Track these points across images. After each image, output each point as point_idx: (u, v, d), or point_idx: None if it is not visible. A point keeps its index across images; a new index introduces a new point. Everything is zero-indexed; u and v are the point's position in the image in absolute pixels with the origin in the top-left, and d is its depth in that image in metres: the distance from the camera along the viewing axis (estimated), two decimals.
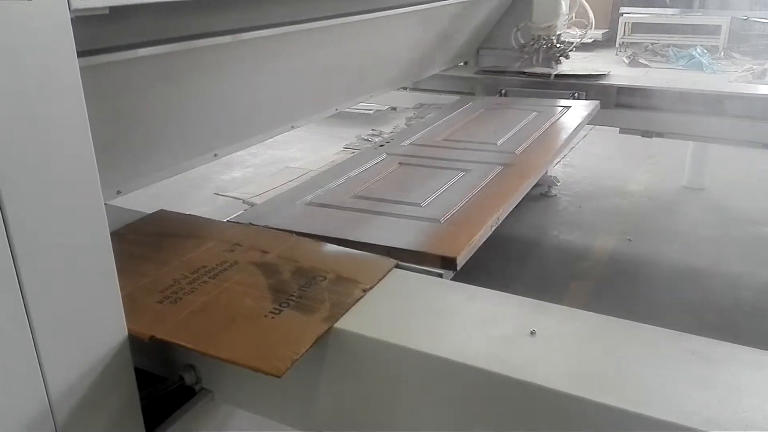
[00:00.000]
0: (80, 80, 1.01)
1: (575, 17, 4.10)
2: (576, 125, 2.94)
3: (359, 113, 5.68)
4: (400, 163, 2.39)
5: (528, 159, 2.43)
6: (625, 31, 10.53)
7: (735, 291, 3.00)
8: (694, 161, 4.31)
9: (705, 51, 9.37)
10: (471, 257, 2.84)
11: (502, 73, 3.87)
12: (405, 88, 3.91)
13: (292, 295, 1.33)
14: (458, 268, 1.59)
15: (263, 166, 4.96)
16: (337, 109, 2.87)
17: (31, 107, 0.95)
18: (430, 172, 2.26)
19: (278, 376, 1.09)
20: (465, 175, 2.22)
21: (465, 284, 1.39)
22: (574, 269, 3.26)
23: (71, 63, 0.99)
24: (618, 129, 3.73)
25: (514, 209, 3.52)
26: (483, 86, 3.85)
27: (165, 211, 1.81)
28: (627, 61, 9.49)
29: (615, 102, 3.60)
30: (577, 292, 2.92)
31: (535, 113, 3.11)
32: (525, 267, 3.28)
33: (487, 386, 1.10)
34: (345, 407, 1.28)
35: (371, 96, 3.28)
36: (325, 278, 1.40)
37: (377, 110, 5.74)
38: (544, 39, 3.90)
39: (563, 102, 3.41)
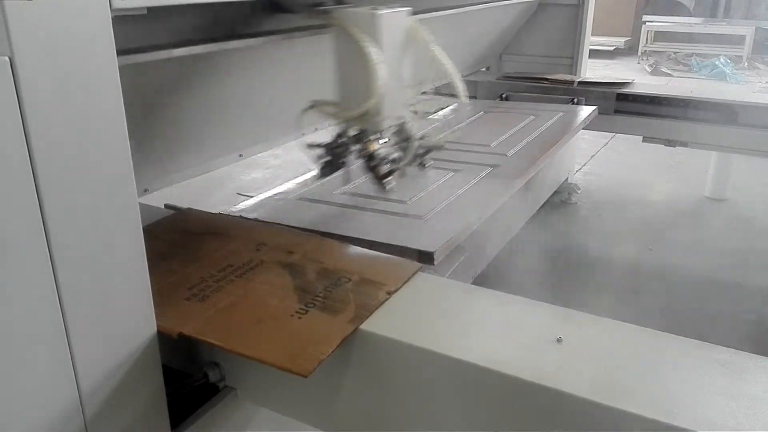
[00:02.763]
0: (119, 78, 1.03)
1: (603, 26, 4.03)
2: (569, 130, 3.03)
3: None
4: None
5: (518, 161, 2.51)
6: (647, 39, 10.46)
7: (758, 304, 2.96)
8: (716, 171, 4.26)
9: (728, 61, 9.27)
10: (490, 264, 2.86)
11: (525, 79, 3.87)
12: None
13: (318, 296, 1.34)
14: (435, 262, 1.64)
15: (282, 168, 4.99)
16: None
17: (72, 104, 0.97)
18: (420, 172, 2.29)
19: (305, 376, 1.09)
20: (454, 175, 2.29)
21: (491, 290, 1.39)
22: (595, 277, 3.25)
23: (111, 61, 1.01)
24: (641, 138, 3.71)
25: (534, 216, 3.56)
26: (485, 90, 3.88)
27: (191, 209, 1.83)
28: (649, 70, 9.43)
29: (626, 109, 3.60)
30: (598, 300, 2.91)
31: (532, 117, 3.18)
32: (544, 274, 3.26)
33: (512, 392, 1.10)
34: (368, 409, 1.29)
35: None
36: (349, 280, 1.41)
37: None
38: (363, 134, 3.24)
39: (562, 107, 3.46)
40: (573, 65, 4.15)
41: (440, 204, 2.00)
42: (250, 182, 4.68)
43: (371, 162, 1.77)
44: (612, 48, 10.63)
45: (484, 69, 4.30)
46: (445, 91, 3.80)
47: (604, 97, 3.65)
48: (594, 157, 5.31)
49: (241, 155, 2.21)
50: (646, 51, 10.43)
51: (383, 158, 1.77)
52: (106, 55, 1.00)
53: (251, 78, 1.99)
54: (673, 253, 3.52)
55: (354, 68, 1.61)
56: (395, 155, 1.82)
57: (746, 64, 9.68)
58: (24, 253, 0.95)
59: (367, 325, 1.24)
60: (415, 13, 2.60)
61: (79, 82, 0.97)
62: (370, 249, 1.61)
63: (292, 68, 2.16)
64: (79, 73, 0.97)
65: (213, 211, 1.86)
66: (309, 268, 1.46)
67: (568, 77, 3.80)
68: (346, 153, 1.84)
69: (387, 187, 1.78)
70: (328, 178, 1.99)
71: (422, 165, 1.97)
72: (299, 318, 1.26)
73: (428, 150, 1.97)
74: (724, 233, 3.80)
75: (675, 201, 4.32)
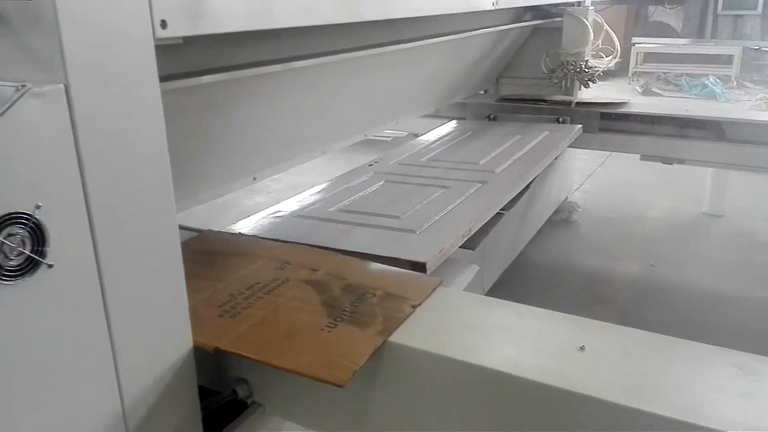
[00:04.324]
0: (161, 103, 1.08)
1: (601, 45, 4.25)
2: (555, 147, 3.20)
3: (379, 140, 5.76)
4: (386, 180, 2.56)
5: (506, 178, 2.64)
6: (637, 60, 10.64)
7: (763, 315, 3.01)
8: (714, 188, 4.34)
9: (718, 80, 9.44)
10: (497, 283, 2.91)
11: (523, 100, 3.96)
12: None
13: (345, 310, 1.38)
14: (427, 272, 1.74)
15: (285, 192, 5.03)
16: (365, 135, 2.94)
17: (119, 129, 1.02)
18: (412, 189, 2.45)
19: (341, 386, 1.13)
20: (444, 192, 2.40)
21: (511, 302, 1.44)
22: (598, 294, 3.29)
23: (154, 88, 1.07)
24: (639, 156, 3.79)
25: (537, 235, 3.62)
26: (473, 111, 4.01)
27: (212, 231, 1.88)
28: (640, 90, 9.59)
29: (625, 129, 3.73)
30: (602, 316, 2.95)
31: (519, 136, 3.31)
32: (549, 292, 3.31)
33: (540, 398, 1.14)
34: (397, 420, 1.32)
35: (397, 123, 3.37)
36: (374, 295, 1.45)
37: (395, 137, 5.83)
38: (572, 64, 4.05)
39: (548, 126, 3.63)
40: (569, 86, 4.23)
41: (432, 219, 2.11)
42: (254, 207, 4.72)
43: (580, 74, 3.97)
44: (611, 63, 10.78)
45: (482, 92, 4.39)
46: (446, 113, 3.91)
47: (588, 116, 3.77)
48: (591, 176, 5.38)
49: (254, 178, 2.25)
50: (636, 72, 10.61)
51: (586, 71, 3.94)
52: (149, 82, 1.06)
53: (267, 104, 2.05)
54: (675, 268, 3.58)
55: (576, 33, 3.92)
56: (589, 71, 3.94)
57: (735, 83, 9.85)
58: (76, 271, 0.99)
59: (395, 337, 1.28)
60: (416, 39, 2.70)
61: (126, 107, 1.03)
62: (367, 261, 1.67)
63: (303, 95, 2.22)
64: (126, 99, 1.02)
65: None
66: (334, 285, 1.50)
67: (565, 98, 3.88)
68: (558, 75, 3.97)
69: (591, 84, 4.03)
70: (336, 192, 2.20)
71: (593, 80, 4.05)
72: (329, 331, 1.30)
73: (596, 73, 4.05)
74: (723, 248, 3.86)
75: (673, 217, 4.39)
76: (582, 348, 1.23)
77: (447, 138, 3.41)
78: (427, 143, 3.32)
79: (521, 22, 3.78)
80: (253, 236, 1.90)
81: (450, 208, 2.24)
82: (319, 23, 1.45)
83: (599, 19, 4.16)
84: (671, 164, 3.70)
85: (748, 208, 4.43)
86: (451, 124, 3.78)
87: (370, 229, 2.02)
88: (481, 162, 2.87)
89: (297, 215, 2.20)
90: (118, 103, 1.01)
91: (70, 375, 1.01)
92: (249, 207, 4.66)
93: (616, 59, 4.39)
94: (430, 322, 1.35)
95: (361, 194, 2.42)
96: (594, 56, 4.30)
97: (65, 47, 0.91)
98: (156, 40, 1.06)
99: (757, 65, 10.37)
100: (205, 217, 4.09)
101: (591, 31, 3.98)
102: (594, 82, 4.13)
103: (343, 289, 1.48)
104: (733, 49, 10.11)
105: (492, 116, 3.96)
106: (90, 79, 0.96)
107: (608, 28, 4.14)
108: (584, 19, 3.97)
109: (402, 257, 1.75)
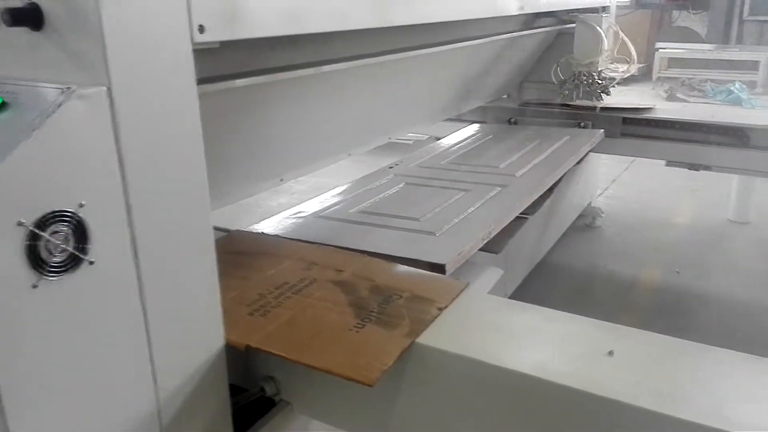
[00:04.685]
0: (198, 106, 1.11)
1: (617, 54, 4.09)
2: (576, 152, 3.22)
3: (400, 143, 5.79)
4: (406, 183, 2.59)
5: (526, 182, 2.64)
6: (661, 66, 10.54)
7: None
8: (739, 194, 4.29)
9: (743, 86, 9.31)
10: (519, 287, 2.91)
11: (546, 105, 3.95)
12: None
13: (373, 311, 1.39)
14: (446, 273, 1.75)
15: (308, 193, 5.07)
16: (390, 138, 2.96)
17: (158, 131, 1.05)
18: (432, 192, 2.47)
19: (370, 385, 1.15)
20: (464, 195, 2.40)
21: (538, 306, 1.44)
22: (623, 300, 3.27)
23: (191, 90, 1.09)
24: (664, 162, 3.76)
25: (560, 239, 3.61)
26: (494, 114, 4.01)
27: (240, 230, 1.90)
28: (665, 96, 9.47)
29: (650, 134, 3.70)
30: (627, 323, 2.93)
31: (539, 140, 3.30)
32: (573, 297, 3.30)
33: (568, 403, 1.15)
34: (423, 421, 1.33)
35: (420, 126, 3.39)
36: (401, 296, 1.46)
37: (416, 140, 5.85)
38: (585, 75, 3.89)
39: (568, 131, 3.63)
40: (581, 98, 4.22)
41: (451, 221, 2.13)
42: (277, 207, 4.76)
43: (593, 86, 3.76)
44: (626, 75, 10.70)
45: (504, 96, 4.38)
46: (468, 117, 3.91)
47: (611, 121, 3.75)
48: (615, 181, 5.35)
49: (282, 179, 2.28)
50: (660, 77, 10.50)
51: (599, 83, 3.72)
52: (187, 85, 1.09)
53: (296, 107, 2.07)
54: (701, 275, 3.54)
55: (588, 41, 3.72)
56: (602, 83, 3.71)
57: (761, 89, 9.71)
58: (116, 268, 1.02)
59: (422, 339, 1.29)
60: (441, 43, 2.71)
61: (165, 110, 1.05)
62: (393, 263, 1.69)
63: (331, 98, 2.24)
64: (165, 102, 1.05)
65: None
66: (360, 286, 1.52)
67: (590, 103, 3.87)
68: (569, 87, 3.75)
69: (603, 96, 3.78)
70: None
71: (605, 93, 3.82)
72: (357, 332, 1.31)
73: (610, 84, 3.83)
74: (750, 256, 3.82)
75: (698, 224, 4.34)
76: (610, 353, 1.23)
77: (467, 141, 3.43)
78: (447, 146, 3.35)
79: (543, 27, 3.78)
80: (280, 237, 1.93)
81: (470, 211, 2.26)
82: (351, 28, 1.47)
83: (614, 27, 3.96)
84: (697, 170, 3.67)
85: None
86: (472, 128, 3.79)
87: (389, 230, 2.05)
88: (501, 166, 2.89)
89: (318, 216, 2.24)
90: (158, 105, 1.04)
91: (107, 370, 1.04)
92: (272, 207, 4.70)
93: (632, 71, 4.24)
94: (456, 324, 1.36)
95: (381, 196, 2.45)
96: (608, 66, 4.10)
97: (108, 51, 0.94)
98: (194, 44, 1.08)
99: None
100: (230, 217, 4.15)
101: (604, 39, 3.77)
102: (607, 94, 3.93)
103: (370, 291, 1.49)
104: (759, 55, 9.96)
105: (513, 120, 3.97)
106: (131, 82, 0.98)
107: (624, 36, 3.90)
108: (597, 27, 3.75)
109: (421, 258, 1.77)
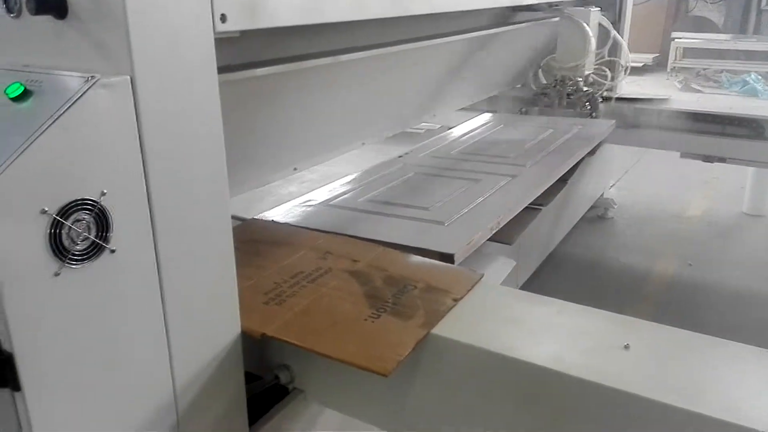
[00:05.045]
0: (219, 95, 1.11)
1: (607, 56, 3.55)
2: (587, 142, 3.18)
3: (412, 132, 5.77)
4: (415, 172, 2.60)
5: (537, 172, 2.65)
6: (676, 56, 10.43)
7: None
8: (754, 187, 4.25)
9: (759, 77, 9.20)
10: (530, 278, 2.91)
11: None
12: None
13: (387, 302, 1.40)
14: (455, 263, 1.75)
15: (318, 182, 5.07)
16: (403, 128, 2.95)
17: (179, 120, 1.05)
18: (442, 181, 2.48)
19: (385, 375, 1.15)
20: (474, 185, 2.41)
21: (552, 298, 1.44)
22: (635, 292, 3.26)
23: (212, 79, 1.10)
24: (679, 153, 3.74)
25: (572, 231, 3.60)
26: (505, 104, 3.99)
27: (256, 219, 1.91)
28: (679, 86, 9.39)
29: (665, 125, 3.66)
30: (639, 315, 2.92)
31: (551, 130, 3.27)
32: (585, 289, 3.29)
33: (583, 396, 1.15)
34: (436, 411, 1.34)
35: (434, 116, 3.37)
36: (415, 287, 1.47)
37: (428, 129, 5.83)
38: (570, 80, 3.41)
39: (580, 120, 3.57)
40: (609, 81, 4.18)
41: (461, 211, 2.13)
42: (287, 196, 4.77)
43: (577, 94, 3.15)
44: (641, 64, 10.60)
45: (519, 86, 4.36)
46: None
47: (622, 111, 3.72)
48: (627, 172, 5.32)
49: (295, 168, 2.29)
50: (675, 67, 10.39)
51: (584, 92, 3.12)
52: (208, 74, 1.09)
53: (310, 95, 2.07)
54: (714, 268, 3.52)
55: (573, 40, 3.00)
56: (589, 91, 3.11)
57: None
58: (136, 256, 1.03)
59: (437, 330, 1.30)
60: (453, 33, 2.69)
61: (186, 99, 1.06)
62: (407, 253, 1.69)
63: (347, 87, 2.24)
64: (186, 91, 1.05)
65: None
66: (375, 276, 1.52)
67: (605, 93, 3.84)
68: (551, 95, 3.14)
69: (586, 109, 3.05)
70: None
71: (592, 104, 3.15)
72: (372, 322, 1.32)
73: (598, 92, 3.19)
74: (765, 248, 3.79)
75: (712, 216, 4.31)
76: (626, 346, 1.23)
77: (478, 131, 3.43)
78: (458, 136, 3.35)
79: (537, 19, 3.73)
80: (295, 226, 1.93)
81: (479, 200, 2.26)
82: (369, 17, 1.46)
83: (605, 23, 3.31)
84: (712, 162, 3.64)
85: None
86: (483, 117, 3.78)
87: (399, 219, 2.06)
88: (512, 155, 2.88)
89: (327, 204, 2.25)
90: (179, 94, 1.04)
91: (125, 358, 1.05)
92: (282, 196, 4.71)
93: (623, 78, 3.63)
94: (472, 315, 1.36)
95: (390, 185, 2.47)
96: (599, 70, 3.47)
97: (132, 40, 0.94)
98: (216, 33, 1.08)
99: None
100: (241, 205, 4.16)
101: (592, 39, 3.10)
102: (595, 108, 3.43)
103: (385, 281, 1.50)
104: None
105: (524, 110, 3.95)
106: (154, 71, 0.99)
107: (616, 34, 3.29)
108: (583, 24, 3.11)
109: (430, 248, 1.78)
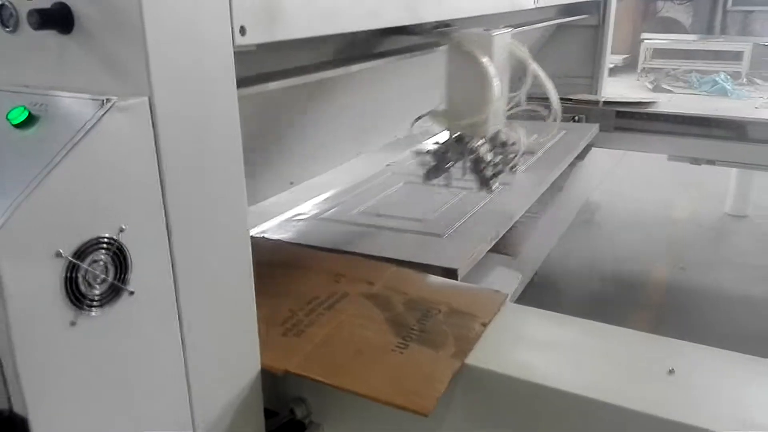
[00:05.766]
0: (238, 114, 1.01)
1: (525, 102, 2.04)
2: (576, 147, 3.15)
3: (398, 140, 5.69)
4: (405, 182, 2.51)
5: (527, 179, 2.58)
6: (646, 56, 10.56)
7: None
8: (738, 188, 4.28)
9: (728, 77, 9.37)
10: (526, 289, 2.85)
11: (546, 99, 3.88)
12: None
13: (413, 329, 1.31)
14: (459, 278, 1.67)
15: (305, 192, 4.96)
16: (396, 137, 2.87)
17: (198, 140, 0.95)
18: (432, 190, 2.36)
19: (425, 415, 1.07)
20: (467, 194, 2.30)
21: (579, 318, 1.37)
22: (627, 297, 3.24)
23: (232, 96, 1.00)
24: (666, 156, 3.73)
25: (561, 236, 3.55)
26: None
27: (256, 237, 1.81)
28: (650, 87, 9.50)
29: (652, 129, 3.63)
30: (642, 325, 2.89)
31: (535, 135, 3.20)
32: (577, 297, 3.25)
33: (636, 427, 1.08)
34: None
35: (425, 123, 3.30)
36: (439, 311, 1.39)
37: (407, 136, 5.77)
38: (466, 143, 1.85)
39: (564, 125, 3.50)
40: (592, 85, 4.17)
41: (457, 222, 2.06)
42: (270, 206, 4.65)
43: (478, 165, 1.88)
44: (611, 65, 10.71)
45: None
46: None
47: (604, 115, 3.69)
48: (608, 175, 5.32)
49: (291, 183, 2.19)
50: (645, 68, 10.53)
51: (489, 162, 1.89)
52: (228, 92, 0.99)
53: (308, 108, 1.98)
54: (703, 270, 3.52)
55: (468, 82, 1.74)
56: (498, 159, 1.92)
57: (745, 79, 9.78)
58: (155, 297, 0.93)
59: (471, 359, 1.22)
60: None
61: (205, 120, 0.96)
62: (422, 273, 1.62)
63: (344, 98, 2.16)
64: (205, 111, 0.96)
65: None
66: (395, 300, 1.44)
67: (591, 97, 3.82)
68: (451, 158, 1.95)
69: (492, 188, 1.93)
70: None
71: (513, 168, 2.01)
72: (401, 353, 1.23)
73: (518, 155, 2.04)
74: (751, 250, 3.81)
75: (696, 218, 4.33)
76: (671, 371, 1.17)
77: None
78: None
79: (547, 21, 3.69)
80: (298, 244, 1.84)
81: (473, 210, 2.19)
82: (384, 26, 1.38)
83: (521, 52, 1.85)
84: (700, 164, 3.64)
85: None
86: None
87: (395, 233, 1.98)
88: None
89: (319, 218, 2.16)
90: (199, 115, 0.94)
91: (146, 405, 0.95)
92: (266, 207, 4.58)
93: (554, 139, 2.60)
94: (504, 342, 1.28)
95: (381, 196, 2.38)
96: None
97: (151, 56, 0.84)
98: (235, 47, 0.99)
99: (766, 62, 10.27)
100: None
101: (495, 81, 1.67)
102: (490, 187, 1.90)
103: (406, 305, 1.41)
104: (744, 46, 10.02)
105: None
106: (174, 91, 0.89)
107: (536, 67, 1.88)
108: (481, 57, 1.67)
109: (432, 263, 1.70)
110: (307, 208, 2.30)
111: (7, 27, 0.94)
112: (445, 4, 1.64)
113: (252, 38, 1.01)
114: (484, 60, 1.68)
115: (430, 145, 1.99)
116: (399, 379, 1.15)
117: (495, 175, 1.92)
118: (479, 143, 1.84)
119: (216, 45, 0.95)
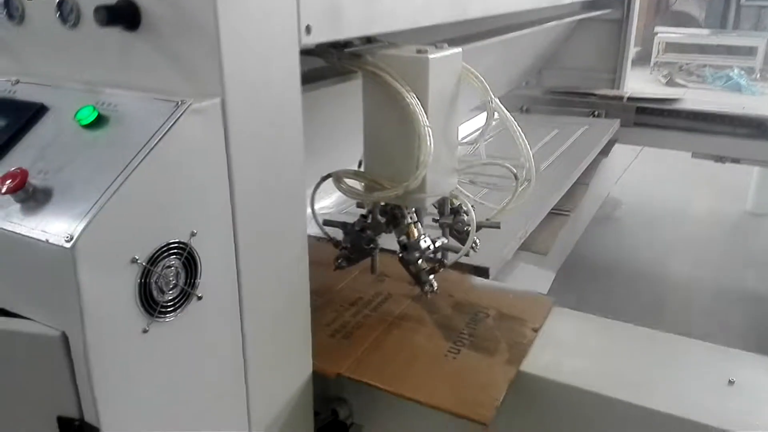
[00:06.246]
0: (301, 109, 0.99)
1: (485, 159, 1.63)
2: (598, 143, 3.10)
3: None
4: None
5: (551, 175, 2.54)
6: (659, 50, 10.47)
7: None
8: (759, 186, 4.24)
9: (742, 72, 9.29)
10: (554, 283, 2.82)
11: (572, 94, 3.84)
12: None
13: (463, 333, 1.29)
14: (490, 276, 1.61)
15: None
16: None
17: (265, 143, 0.93)
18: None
19: (485, 425, 1.05)
20: (490, 191, 2.22)
21: (633, 325, 1.35)
22: (649, 294, 3.21)
23: (296, 96, 0.97)
24: (690, 153, 3.69)
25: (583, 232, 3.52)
26: (505, 103, 3.90)
27: None
28: (664, 81, 9.43)
29: (675, 125, 3.59)
30: (652, 318, 2.86)
31: (556, 130, 3.17)
32: (599, 292, 3.22)
33: None
34: None
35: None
36: (487, 315, 1.36)
37: None
38: (396, 215, 1.37)
39: (584, 120, 3.50)
40: (615, 79, 4.13)
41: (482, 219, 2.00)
42: None
43: (409, 254, 1.31)
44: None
45: (524, 84, 4.27)
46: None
47: (624, 109, 3.65)
48: (627, 170, 5.28)
49: None
50: (657, 62, 10.44)
51: (425, 249, 1.32)
52: (293, 93, 0.96)
53: (320, 116, 1.94)
54: (726, 268, 3.49)
55: (391, 130, 1.20)
56: (440, 242, 1.37)
57: (758, 75, 9.69)
58: (221, 301, 0.90)
59: (526, 367, 1.20)
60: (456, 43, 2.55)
61: (273, 122, 0.93)
62: (465, 273, 1.58)
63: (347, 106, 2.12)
64: (273, 113, 0.93)
65: None
66: (441, 302, 1.41)
67: (615, 92, 3.78)
68: (374, 237, 1.41)
69: (430, 290, 1.33)
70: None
71: (474, 245, 1.39)
72: (454, 358, 1.21)
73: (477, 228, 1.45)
74: None
75: (716, 215, 4.29)
76: (731, 382, 1.14)
77: (482, 131, 3.31)
78: (460, 137, 3.23)
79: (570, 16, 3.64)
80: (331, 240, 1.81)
81: (499, 208, 2.15)
82: (435, 23, 1.35)
83: (476, 83, 1.38)
84: (724, 163, 3.60)
85: None
86: (483, 116, 3.66)
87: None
88: (521, 157, 2.78)
89: (336, 212, 2.09)
90: (268, 117, 0.92)
91: (208, 412, 0.93)
92: None
93: (519, 199, 1.61)
94: (557, 348, 1.26)
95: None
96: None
97: (224, 57, 0.82)
98: (300, 46, 0.96)
99: None
100: None
101: (428, 130, 1.14)
102: (425, 287, 1.34)
103: (453, 308, 1.39)
104: (758, 41, 9.93)
105: (525, 108, 3.84)
106: (245, 92, 0.86)
107: (499, 105, 1.49)
108: (408, 98, 1.13)
109: (463, 261, 1.59)
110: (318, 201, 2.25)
111: (68, 22, 0.91)
112: (490, 2, 1.60)
113: (317, 37, 0.99)
114: (411, 99, 1.12)
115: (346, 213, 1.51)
116: (456, 387, 1.13)
117: (435, 269, 1.35)
118: (409, 220, 1.32)
119: (284, 44, 0.92)
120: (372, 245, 1.41)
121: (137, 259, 0.75)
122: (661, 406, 1.09)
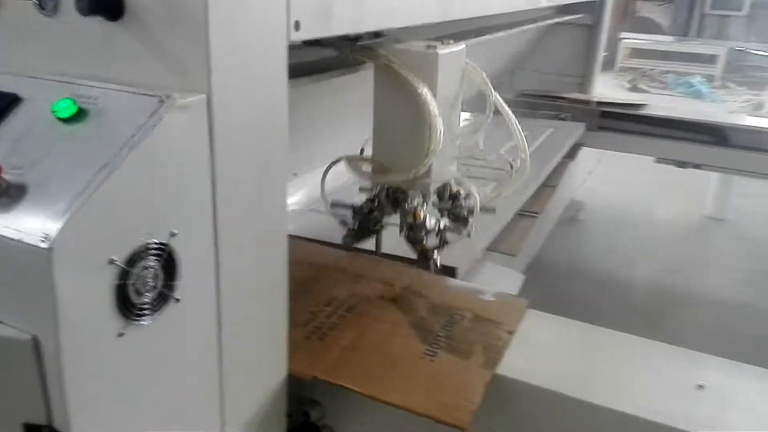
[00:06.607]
0: (287, 106, 0.97)
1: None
2: (564, 145, 3.19)
3: None
4: None
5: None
6: (623, 56, 10.66)
7: None
8: (718, 191, 4.35)
9: (704, 79, 9.53)
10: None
11: (543, 97, 3.89)
12: None
13: (439, 335, 1.29)
14: (458, 276, 1.63)
15: (313, 178, 4.89)
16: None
17: (251, 137, 0.91)
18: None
19: (463, 429, 1.05)
20: (480, 181, 2.25)
21: (608, 329, 1.37)
22: (611, 297, 3.27)
23: (283, 97, 0.95)
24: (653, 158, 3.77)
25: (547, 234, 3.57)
26: (470, 105, 3.93)
27: None
28: (627, 86, 9.60)
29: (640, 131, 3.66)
30: (617, 321, 2.91)
31: (525, 133, 3.19)
32: (561, 295, 3.27)
33: None
34: None
35: None
36: (463, 317, 1.36)
37: None
38: (402, 199, 1.45)
39: (551, 123, 3.57)
40: (584, 83, 4.19)
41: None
42: None
43: (416, 233, 1.43)
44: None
45: (497, 85, 4.30)
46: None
47: (590, 114, 3.72)
48: (591, 173, 5.37)
49: (295, 174, 2.14)
50: (621, 67, 10.63)
51: (431, 229, 1.45)
52: (281, 91, 0.94)
53: (319, 105, 1.93)
54: (684, 272, 3.58)
55: (401, 119, 1.30)
56: (443, 223, 1.49)
57: (719, 82, 9.95)
58: (199, 303, 0.88)
59: (502, 370, 1.20)
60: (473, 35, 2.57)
61: (257, 118, 0.91)
62: (441, 276, 1.57)
63: (353, 92, 2.11)
64: (258, 110, 0.91)
65: None
66: (417, 304, 1.41)
67: (585, 97, 3.83)
68: (380, 218, 1.53)
69: (434, 266, 1.50)
70: None
71: (469, 233, 1.55)
72: (431, 361, 1.21)
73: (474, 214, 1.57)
74: (733, 253, 3.88)
75: (676, 220, 4.39)
76: (700, 386, 1.17)
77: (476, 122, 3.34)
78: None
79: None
80: (307, 239, 1.79)
81: (494, 195, 2.16)
82: (422, 23, 1.34)
83: (479, 78, 1.48)
84: (686, 168, 3.69)
85: (751, 214, 4.46)
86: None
87: (390, 228, 1.92)
88: (491, 159, 2.80)
89: (311, 209, 2.11)
90: (253, 114, 0.89)
91: (180, 416, 0.91)
92: None
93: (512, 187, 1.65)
94: (532, 351, 1.27)
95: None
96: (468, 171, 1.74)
97: (212, 51, 0.79)
98: (288, 43, 0.94)
99: (739, 66, 10.47)
100: None
101: (438, 119, 1.24)
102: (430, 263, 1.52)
103: (429, 310, 1.39)
104: (719, 49, 10.20)
105: (495, 109, 3.87)
106: (231, 88, 0.84)
107: (497, 99, 1.52)
108: (420, 89, 1.23)
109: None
110: (295, 198, 2.21)
111: (45, 10, 0.87)
112: (469, 4, 1.60)
113: (306, 33, 0.97)
114: (424, 91, 1.22)
115: (356, 194, 1.60)
116: (433, 391, 1.13)
117: (441, 246, 1.49)
118: (416, 203, 1.41)
119: (272, 40, 0.90)
120: (378, 226, 1.56)
121: (115, 260, 0.72)
122: (631, 409, 1.10)
